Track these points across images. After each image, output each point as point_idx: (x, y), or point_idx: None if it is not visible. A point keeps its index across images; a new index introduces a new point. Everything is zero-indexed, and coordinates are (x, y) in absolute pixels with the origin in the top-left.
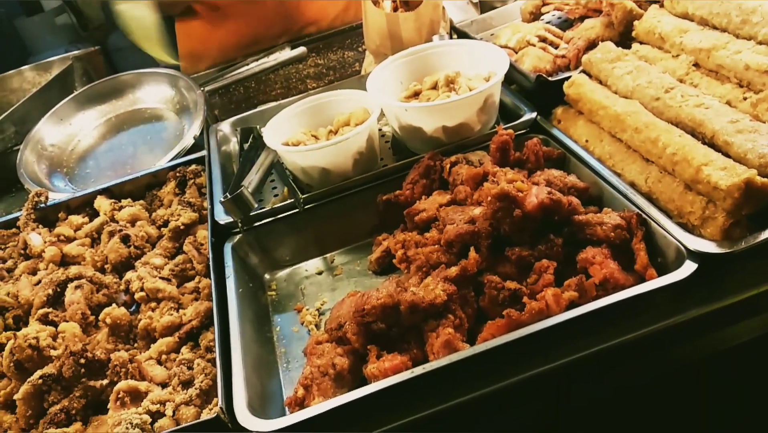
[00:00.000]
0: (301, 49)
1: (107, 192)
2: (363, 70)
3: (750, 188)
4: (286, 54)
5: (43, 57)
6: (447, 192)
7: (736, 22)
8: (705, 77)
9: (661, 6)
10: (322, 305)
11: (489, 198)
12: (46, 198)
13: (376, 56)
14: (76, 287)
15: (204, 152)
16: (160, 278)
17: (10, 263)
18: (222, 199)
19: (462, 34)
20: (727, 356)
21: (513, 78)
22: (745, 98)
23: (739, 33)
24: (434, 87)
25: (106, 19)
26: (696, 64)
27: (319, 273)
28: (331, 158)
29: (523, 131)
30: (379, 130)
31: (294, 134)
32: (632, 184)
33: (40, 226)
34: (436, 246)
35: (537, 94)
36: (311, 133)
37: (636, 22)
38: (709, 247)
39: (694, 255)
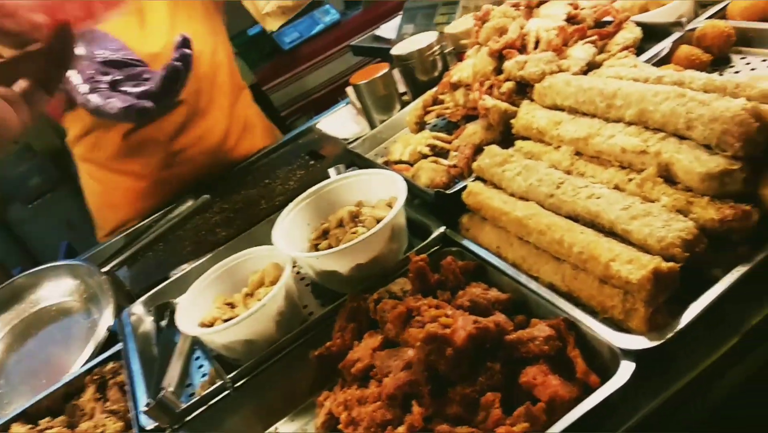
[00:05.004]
0: (205, 197)
1: (23, 416)
2: None
3: (658, 277)
4: (189, 206)
5: None
6: (377, 332)
7: (602, 107)
8: (589, 164)
9: (532, 100)
10: None
11: (418, 343)
12: None
13: None
14: None
15: (120, 346)
16: None
17: None
18: (144, 409)
19: (355, 156)
20: None
21: (414, 193)
22: (630, 179)
23: (608, 117)
24: (340, 224)
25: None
26: (578, 153)
27: None
28: (252, 328)
29: (435, 248)
30: (297, 273)
31: (208, 310)
32: (551, 286)
33: None
34: (378, 403)
35: (440, 207)
36: (226, 302)
37: (512, 120)
38: (640, 343)
39: (628, 353)
